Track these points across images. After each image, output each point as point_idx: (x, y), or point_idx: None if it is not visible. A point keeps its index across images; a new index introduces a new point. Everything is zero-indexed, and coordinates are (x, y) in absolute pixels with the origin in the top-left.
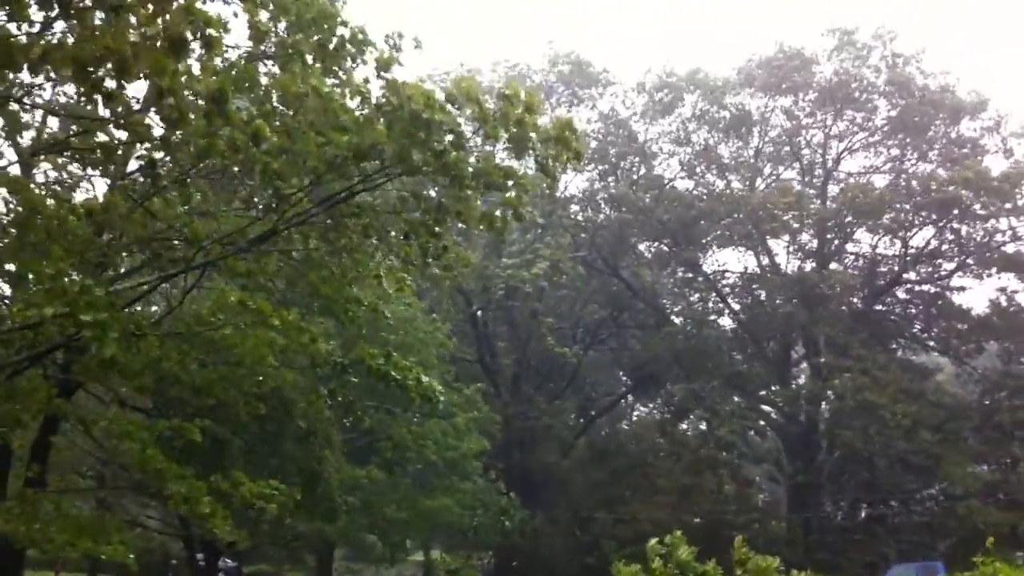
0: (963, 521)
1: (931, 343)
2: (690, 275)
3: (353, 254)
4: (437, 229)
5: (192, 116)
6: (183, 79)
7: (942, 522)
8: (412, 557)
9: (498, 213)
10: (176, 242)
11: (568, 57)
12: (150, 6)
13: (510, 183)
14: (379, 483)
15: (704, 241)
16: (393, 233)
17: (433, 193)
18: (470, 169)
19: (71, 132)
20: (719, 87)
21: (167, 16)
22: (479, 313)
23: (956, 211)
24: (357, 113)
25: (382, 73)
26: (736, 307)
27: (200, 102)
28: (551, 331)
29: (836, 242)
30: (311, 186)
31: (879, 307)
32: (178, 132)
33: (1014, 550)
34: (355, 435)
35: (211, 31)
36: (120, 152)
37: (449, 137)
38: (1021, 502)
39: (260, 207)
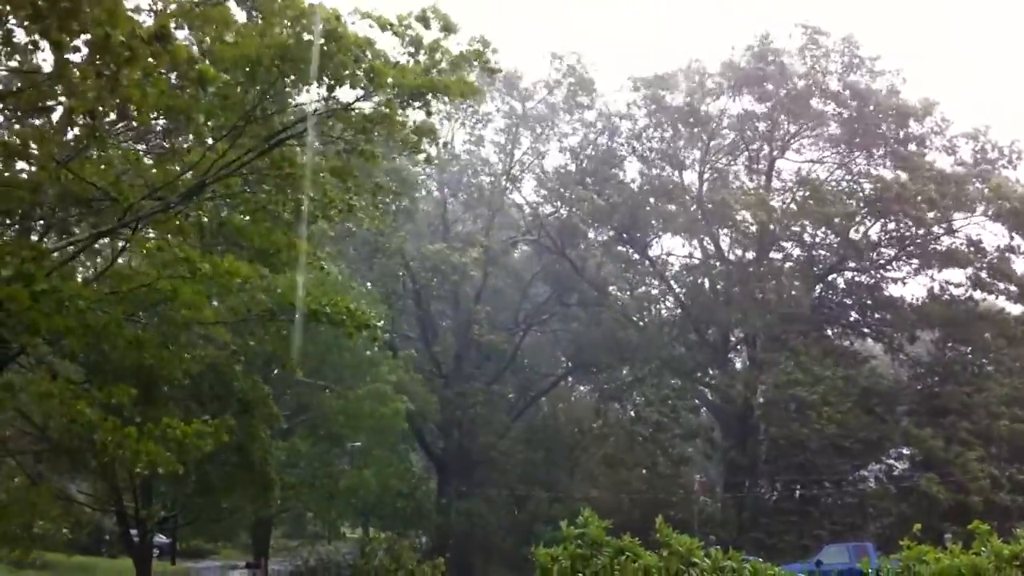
0: (899, 503)
1: (866, 330)
2: (636, 259)
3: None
4: (371, 158)
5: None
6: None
7: (874, 504)
8: (350, 535)
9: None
10: (106, 201)
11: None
12: None
13: (429, 96)
14: (311, 456)
15: (652, 226)
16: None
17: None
18: (389, 79)
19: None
20: (696, 84)
21: None
22: (422, 292)
23: (905, 210)
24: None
25: None
26: (680, 292)
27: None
28: (493, 313)
29: (778, 231)
30: (237, 127)
31: (817, 295)
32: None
33: (956, 525)
34: (288, 412)
35: None
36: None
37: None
38: (957, 480)
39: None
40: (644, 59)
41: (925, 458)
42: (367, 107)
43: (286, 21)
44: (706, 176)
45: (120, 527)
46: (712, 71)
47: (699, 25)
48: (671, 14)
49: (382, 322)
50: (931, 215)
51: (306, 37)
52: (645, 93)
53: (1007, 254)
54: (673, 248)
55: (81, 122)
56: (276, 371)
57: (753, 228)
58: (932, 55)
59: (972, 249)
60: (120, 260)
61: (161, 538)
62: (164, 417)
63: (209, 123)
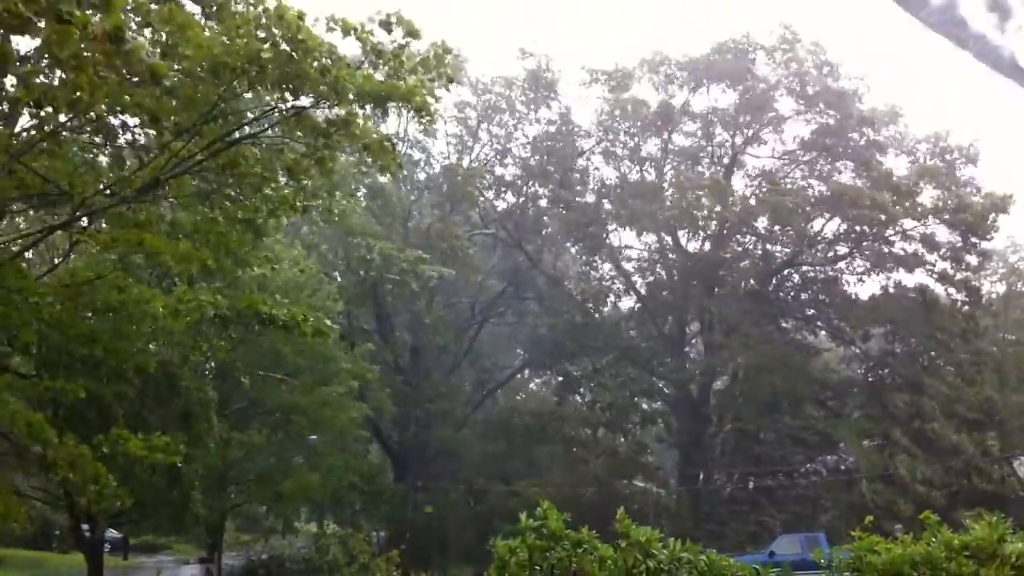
0: (849, 494)
1: (820, 324)
2: (594, 251)
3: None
4: (328, 163)
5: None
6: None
7: (825, 495)
8: (305, 529)
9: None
10: (57, 196)
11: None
12: None
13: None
14: (266, 452)
15: (611, 218)
16: (274, 174)
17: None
18: (351, 86)
19: None
20: (661, 78)
21: None
22: (378, 287)
23: (860, 214)
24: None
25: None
26: (637, 284)
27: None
28: (449, 307)
29: (735, 224)
30: (196, 125)
31: (773, 288)
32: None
33: (896, 522)
34: (243, 405)
35: None
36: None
37: (327, 61)
38: (902, 476)
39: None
40: (608, 54)
41: (866, 462)
42: (327, 113)
43: (251, 27)
44: (667, 169)
45: (71, 522)
46: (678, 65)
47: (667, 21)
48: (637, 12)
49: (339, 327)
50: (883, 217)
51: (268, 43)
52: (607, 86)
53: (960, 251)
54: (632, 240)
55: (29, 112)
56: (230, 368)
57: (712, 221)
58: (901, 54)
59: (926, 247)
60: (73, 255)
61: (113, 533)
62: (113, 427)
63: (175, 120)
